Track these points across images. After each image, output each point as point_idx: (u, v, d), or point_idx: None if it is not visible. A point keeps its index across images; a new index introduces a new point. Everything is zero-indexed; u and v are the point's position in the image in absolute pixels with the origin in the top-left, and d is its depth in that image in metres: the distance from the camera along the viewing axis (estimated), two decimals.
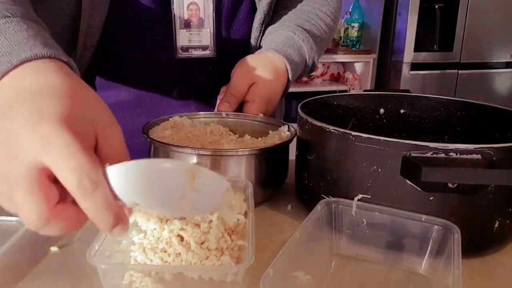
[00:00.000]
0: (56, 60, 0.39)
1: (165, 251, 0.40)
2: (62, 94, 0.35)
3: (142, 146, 0.62)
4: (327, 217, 0.47)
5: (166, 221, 0.42)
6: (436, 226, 0.43)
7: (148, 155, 0.61)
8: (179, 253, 0.40)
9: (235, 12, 0.76)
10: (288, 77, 0.74)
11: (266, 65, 0.72)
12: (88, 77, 0.71)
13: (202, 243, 0.40)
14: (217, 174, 0.39)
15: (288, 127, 0.64)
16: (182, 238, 0.41)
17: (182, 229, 0.41)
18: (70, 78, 0.37)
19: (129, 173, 0.34)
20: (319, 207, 0.46)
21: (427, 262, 0.45)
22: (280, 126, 0.65)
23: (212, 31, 0.74)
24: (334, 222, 0.48)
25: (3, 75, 0.37)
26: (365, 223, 0.47)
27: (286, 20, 0.79)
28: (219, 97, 0.73)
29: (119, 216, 0.33)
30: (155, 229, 0.42)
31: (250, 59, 0.73)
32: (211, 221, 0.42)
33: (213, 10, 0.72)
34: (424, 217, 0.44)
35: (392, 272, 0.46)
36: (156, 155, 0.59)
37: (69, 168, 0.31)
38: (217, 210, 0.41)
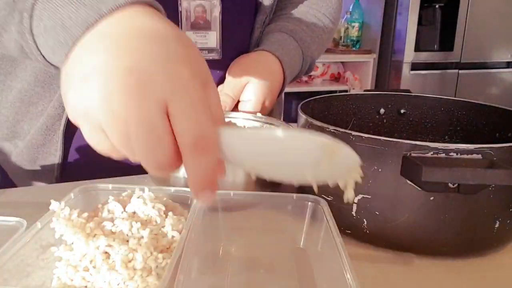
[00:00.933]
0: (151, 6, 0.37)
1: (87, 270, 0.38)
2: (185, 43, 0.34)
3: None
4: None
5: (94, 236, 0.40)
6: (309, 203, 0.47)
7: None
8: (104, 271, 0.38)
9: (240, 13, 0.76)
10: (284, 76, 0.74)
11: (260, 64, 0.72)
12: None
13: (129, 261, 0.38)
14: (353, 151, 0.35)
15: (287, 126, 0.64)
16: (108, 255, 0.39)
17: (109, 245, 0.39)
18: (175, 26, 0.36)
19: (246, 142, 0.33)
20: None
21: (306, 237, 0.48)
22: (279, 126, 0.64)
23: (218, 33, 0.74)
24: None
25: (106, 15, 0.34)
26: None
27: (283, 20, 0.79)
28: None
29: (213, 184, 0.32)
30: (80, 246, 0.39)
31: (245, 58, 0.73)
32: (141, 237, 0.40)
33: (219, 12, 0.72)
34: (295, 195, 0.47)
35: (277, 251, 0.48)
36: None
37: (192, 124, 0.30)
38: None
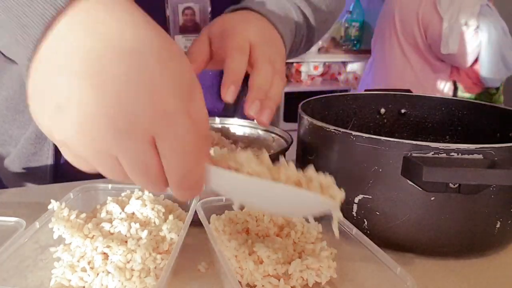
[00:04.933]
0: None
1: (85, 271, 0.38)
2: (164, 54, 0.30)
3: None
4: None
5: (92, 237, 0.40)
6: None
7: None
8: (102, 272, 0.38)
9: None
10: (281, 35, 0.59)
11: (253, 24, 0.56)
12: None
13: (128, 262, 0.38)
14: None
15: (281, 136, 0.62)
16: (107, 256, 0.39)
17: (107, 246, 0.39)
18: (153, 25, 0.31)
19: (235, 184, 0.34)
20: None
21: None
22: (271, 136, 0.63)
23: None
24: None
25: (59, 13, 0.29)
26: None
27: None
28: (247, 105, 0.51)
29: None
30: (78, 246, 0.39)
31: (232, 20, 0.56)
32: (140, 238, 0.40)
33: (210, 14, 0.69)
34: None
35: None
36: None
37: (179, 162, 0.30)
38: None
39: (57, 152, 0.68)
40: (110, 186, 0.49)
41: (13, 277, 0.37)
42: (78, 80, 0.28)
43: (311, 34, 0.68)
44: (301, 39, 0.67)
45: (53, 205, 0.43)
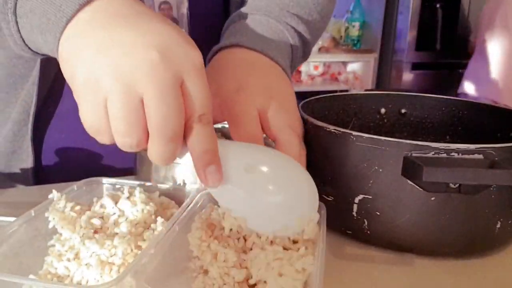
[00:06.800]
0: None
1: (68, 261, 0.39)
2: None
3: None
4: None
5: (82, 229, 0.41)
6: None
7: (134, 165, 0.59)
8: (85, 264, 0.38)
9: (209, 7, 0.70)
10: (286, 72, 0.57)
11: (256, 82, 0.51)
12: (54, 90, 0.67)
13: (111, 256, 0.39)
14: None
15: None
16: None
17: (94, 239, 0.40)
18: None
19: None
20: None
21: None
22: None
23: (186, 31, 0.68)
24: None
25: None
26: None
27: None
28: None
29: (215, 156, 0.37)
30: (67, 239, 0.40)
31: (226, 80, 0.50)
32: (127, 234, 0.41)
33: (187, 8, 0.67)
34: None
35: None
36: (141, 165, 0.56)
37: (159, 106, 0.34)
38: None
39: (36, 154, 0.67)
40: (114, 180, 0.50)
41: (8, 261, 0.38)
42: (119, 28, 0.35)
43: (307, 50, 0.64)
44: (299, 60, 0.63)
45: (54, 195, 0.44)
